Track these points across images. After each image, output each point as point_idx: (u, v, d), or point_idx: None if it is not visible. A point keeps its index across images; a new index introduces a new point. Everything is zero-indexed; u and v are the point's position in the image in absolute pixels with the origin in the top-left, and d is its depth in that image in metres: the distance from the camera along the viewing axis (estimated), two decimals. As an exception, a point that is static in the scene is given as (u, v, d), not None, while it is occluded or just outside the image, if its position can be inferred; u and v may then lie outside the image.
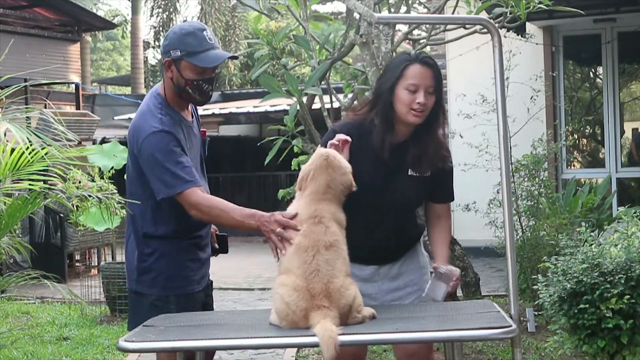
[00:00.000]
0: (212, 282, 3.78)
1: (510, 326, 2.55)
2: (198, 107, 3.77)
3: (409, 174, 3.37)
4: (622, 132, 9.91)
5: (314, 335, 2.53)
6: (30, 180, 3.46)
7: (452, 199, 3.54)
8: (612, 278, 4.42)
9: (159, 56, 31.50)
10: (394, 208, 3.39)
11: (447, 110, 10.32)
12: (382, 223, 3.38)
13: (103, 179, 8.54)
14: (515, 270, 2.91)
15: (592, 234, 5.25)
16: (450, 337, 2.63)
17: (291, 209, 2.98)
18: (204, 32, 3.42)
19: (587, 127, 10.53)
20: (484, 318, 2.71)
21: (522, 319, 6.13)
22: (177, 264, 3.50)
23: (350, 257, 2.90)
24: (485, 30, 6.04)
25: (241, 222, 3.28)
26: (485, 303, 3.02)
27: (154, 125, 3.36)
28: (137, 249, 3.53)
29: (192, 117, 3.63)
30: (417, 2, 10.07)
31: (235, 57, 3.74)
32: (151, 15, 29.36)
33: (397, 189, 3.35)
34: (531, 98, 7.95)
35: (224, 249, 3.83)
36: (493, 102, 7.30)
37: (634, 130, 10.27)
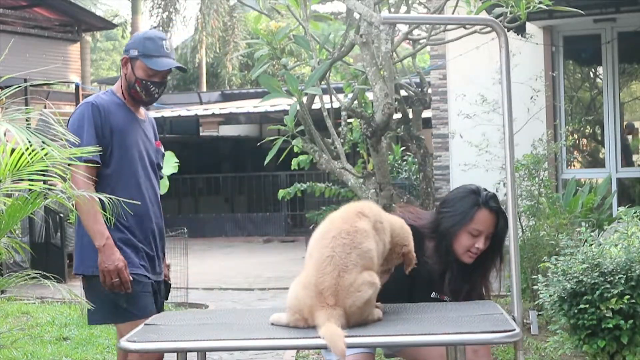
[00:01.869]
0: (167, 284, 3.90)
1: (514, 330, 2.54)
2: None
3: (432, 296, 3.40)
4: (622, 132, 9.90)
5: (316, 337, 2.51)
6: (30, 180, 3.46)
7: None
8: (612, 278, 4.42)
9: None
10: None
11: (448, 109, 10.27)
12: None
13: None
14: (519, 272, 2.89)
15: (592, 234, 5.25)
16: (453, 341, 2.61)
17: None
18: (163, 42, 3.76)
19: (587, 127, 10.52)
20: (487, 321, 2.69)
21: (524, 321, 6.12)
22: None
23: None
24: (485, 30, 6.05)
25: (91, 232, 3.54)
26: (488, 304, 3.00)
27: (87, 100, 3.69)
28: (77, 229, 3.74)
29: (146, 120, 3.86)
30: (417, 2, 10.08)
31: (184, 70, 4.07)
32: (151, 16, 29.38)
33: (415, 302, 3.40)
34: (531, 98, 7.95)
35: (165, 295, 3.92)
36: (493, 102, 7.31)
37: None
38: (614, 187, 9.01)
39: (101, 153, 3.56)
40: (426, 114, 9.60)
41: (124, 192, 3.57)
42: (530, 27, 8.65)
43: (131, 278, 3.56)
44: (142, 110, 3.85)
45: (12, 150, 3.46)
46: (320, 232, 2.74)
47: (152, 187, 3.78)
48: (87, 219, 3.55)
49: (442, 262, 3.32)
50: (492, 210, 3.31)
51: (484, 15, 5.57)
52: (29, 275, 3.64)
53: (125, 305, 3.57)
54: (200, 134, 21.75)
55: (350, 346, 2.52)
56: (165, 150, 3.83)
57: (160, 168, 3.91)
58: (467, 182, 3.65)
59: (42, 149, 3.33)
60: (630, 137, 10.31)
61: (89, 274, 3.65)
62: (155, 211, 3.77)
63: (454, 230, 3.29)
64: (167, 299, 3.98)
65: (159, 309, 3.82)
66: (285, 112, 6.79)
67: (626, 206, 5.37)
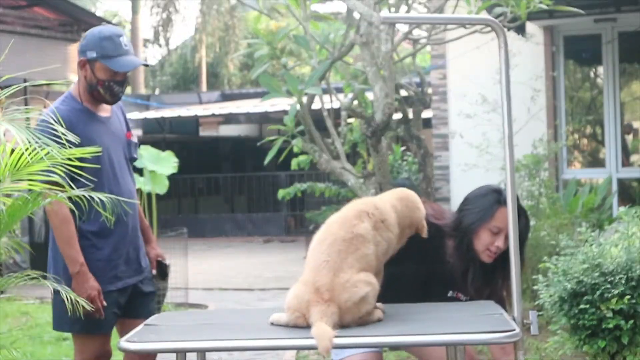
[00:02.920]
0: (162, 264, 3.88)
1: (514, 330, 2.54)
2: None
3: (449, 295, 3.38)
4: (623, 132, 9.91)
5: (312, 338, 2.51)
6: (30, 180, 3.45)
7: None
8: (612, 278, 4.41)
9: (159, 56, 31.50)
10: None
11: (447, 110, 10.27)
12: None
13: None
14: (519, 272, 2.89)
15: (592, 234, 5.24)
16: (453, 341, 2.60)
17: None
18: (121, 38, 3.63)
19: (588, 127, 10.52)
20: (487, 321, 2.69)
21: (524, 321, 6.11)
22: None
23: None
24: (485, 30, 6.04)
25: (64, 256, 3.58)
26: (488, 304, 3.00)
27: (45, 113, 3.57)
28: (52, 246, 3.75)
29: (112, 114, 3.74)
30: (417, 2, 10.06)
31: (147, 65, 3.97)
32: (150, 15, 29.39)
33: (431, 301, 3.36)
34: (531, 98, 7.95)
35: (162, 276, 3.91)
36: (493, 102, 7.30)
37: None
38: (615, 187, 9.01)
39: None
40: (426, 114, 9.59)
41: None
42: (530, 27, 8.65)
43: (105, 303, 3.53)
44: (104, 105, 3.73)
45: (12, 151, 3.45)
46: (318, 240, 2.76)
47: (128, 188, 3.72)
48: (60, 242, 3.57)
49: (462, 260, 3.31)
50: None
51: (484, 15, 5.57)
52: (29, 275, 3.64)
53: (84, 317, 3.52)
54: (200, 134, 21.76)
55: (337, 346, 2.51)
56: (165, 150, 3.82)
57: (135, 160, 3.83)
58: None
59: (42, 148, 3.32)
60: (630, 137, 10.32)
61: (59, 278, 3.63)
62: (132, 212, 3.72)
63: (475, 227, 3.28)
64: (164, 279, 3.97)
65: (148, 305, 3.81)
66: (285, 112, 6.78)
67: (627, 206, 5.36)
